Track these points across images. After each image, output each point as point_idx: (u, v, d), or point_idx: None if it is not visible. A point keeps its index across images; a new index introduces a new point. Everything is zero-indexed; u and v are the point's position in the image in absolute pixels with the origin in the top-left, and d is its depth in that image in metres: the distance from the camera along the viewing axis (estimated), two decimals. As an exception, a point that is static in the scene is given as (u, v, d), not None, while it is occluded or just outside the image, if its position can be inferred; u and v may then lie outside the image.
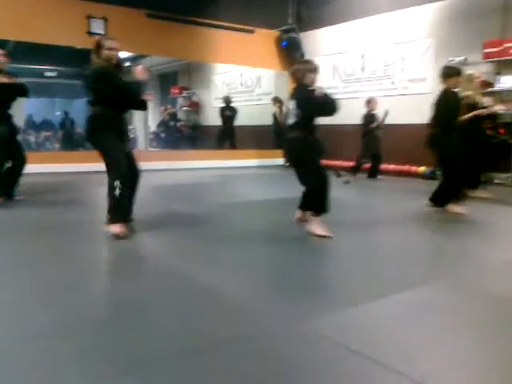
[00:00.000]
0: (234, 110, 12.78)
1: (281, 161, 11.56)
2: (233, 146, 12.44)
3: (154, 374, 1.78)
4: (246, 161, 11.24)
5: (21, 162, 5.66)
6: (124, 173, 3.89)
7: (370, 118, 8.78)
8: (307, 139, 4.06)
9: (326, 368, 1.88)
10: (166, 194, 6.77)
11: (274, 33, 11.88)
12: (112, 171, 3.90)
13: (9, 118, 5.64)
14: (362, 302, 2.55)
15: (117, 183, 3.84)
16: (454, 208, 5.29)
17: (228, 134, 12.62)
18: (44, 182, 7.51)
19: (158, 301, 2.58)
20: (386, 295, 2.68)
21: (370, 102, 8.87)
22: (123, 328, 2.21)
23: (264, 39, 11.72)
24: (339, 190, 5.34)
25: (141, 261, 3.45)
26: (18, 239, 3.95)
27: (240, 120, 12.89)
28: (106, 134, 3.89)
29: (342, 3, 10.80)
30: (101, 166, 4.00)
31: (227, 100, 12.88)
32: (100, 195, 4.30)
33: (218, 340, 2.08)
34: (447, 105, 5.26)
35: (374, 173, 9.03)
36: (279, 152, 11.67)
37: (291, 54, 11.86)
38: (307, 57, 11.69)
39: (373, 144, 8.79)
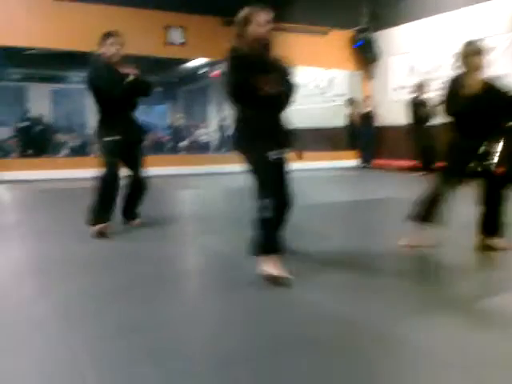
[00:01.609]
0: None
1: (355, 162, 11.47)
2: None
3: (236, 375, 1.85)
4: (319, 162, 11.19)
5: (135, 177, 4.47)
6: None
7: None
8: (455, 141, 3.66)
9: (407, 373, 1.93)
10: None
11: (347, 33, 11.80)
12: None
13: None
14: (448, 310, 2.53)
15: None
16: None
17: None
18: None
19: (236, 306, 2.63)
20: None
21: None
22: (200, 330, 2.32)
23: (338, 40, 11.69)
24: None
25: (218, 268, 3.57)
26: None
27: (314, 121, 12.89)
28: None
29: (417, 0, 10.57)
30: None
31: None
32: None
33: (299, 341, 2.15)
34: None
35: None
36: (353, 153, 11.59)
37: (365, 53, 11.75)
38: (382, 56, 11.57)
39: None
